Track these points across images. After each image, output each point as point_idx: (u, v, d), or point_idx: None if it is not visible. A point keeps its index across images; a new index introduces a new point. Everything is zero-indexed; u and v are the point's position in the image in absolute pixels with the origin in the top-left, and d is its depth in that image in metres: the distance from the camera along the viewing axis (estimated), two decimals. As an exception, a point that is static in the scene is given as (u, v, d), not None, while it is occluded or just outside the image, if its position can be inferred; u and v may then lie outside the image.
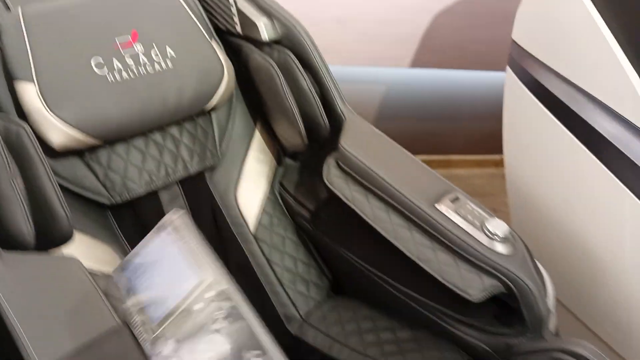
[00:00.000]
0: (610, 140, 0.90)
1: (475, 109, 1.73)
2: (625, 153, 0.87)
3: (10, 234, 0.62)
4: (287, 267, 0.96)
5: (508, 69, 1.11)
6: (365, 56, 1.49)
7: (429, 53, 1.51)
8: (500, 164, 1.62)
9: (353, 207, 0.82)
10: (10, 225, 0.61)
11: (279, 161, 1.03)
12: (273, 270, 0.95)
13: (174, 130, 0.91)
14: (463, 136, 1.84)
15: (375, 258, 0.86)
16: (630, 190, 0.86)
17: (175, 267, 0.62)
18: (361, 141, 0.87)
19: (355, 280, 0.94)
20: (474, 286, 0.73)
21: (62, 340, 0.50)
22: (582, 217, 0.98)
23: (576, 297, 1.05)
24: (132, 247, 0.85)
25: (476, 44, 1.53)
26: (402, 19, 1.45)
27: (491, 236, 0.75)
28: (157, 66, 0.85)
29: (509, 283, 0.72)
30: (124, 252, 0.84)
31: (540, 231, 1.11)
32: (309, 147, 0.97)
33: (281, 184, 1.02)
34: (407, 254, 0.77)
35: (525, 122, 1.12)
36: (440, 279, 0.75)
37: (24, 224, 0.62)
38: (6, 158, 0.62)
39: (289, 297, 0.94)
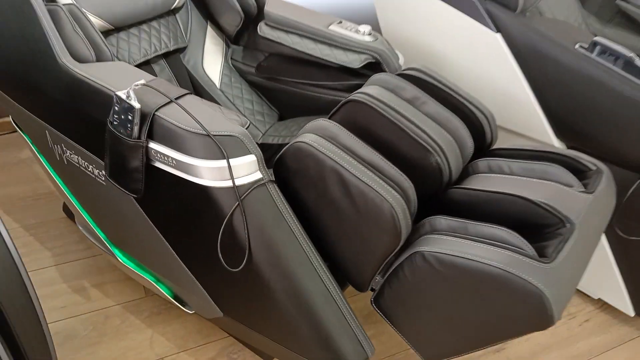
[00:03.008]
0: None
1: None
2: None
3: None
4: (247, 106, 1.44)
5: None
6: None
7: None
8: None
9: (281, 42, 1.31)
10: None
11: (227, 45, 1.50)
12: (237, 109, 1.42)
13: (155, 24, 1.37)
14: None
15: (300, 72, 1.34)
16: (461, 11, 1.36)
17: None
18: (278, 6, 1.36)
19: (292, 104, 1.42)
20: (356, 60, 1.23)
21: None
22: (441, 39, 1.48)
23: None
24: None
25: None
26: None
27: (362, 33, 1.25)
28: (137, -21, 1.31)
29: (375, 54, 1.23)
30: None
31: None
32: (245, 30, 1.45)
33: (232, 58, 1.49)
34: (315, 54, 1.27)
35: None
36: (337, 62, 1.24)
37: (86, 50, 1.07)
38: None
39: (252, 123, 1.42)
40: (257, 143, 1.39)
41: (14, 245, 0.78)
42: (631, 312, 1.41)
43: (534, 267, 0.76)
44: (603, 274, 1.41)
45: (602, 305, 1.50)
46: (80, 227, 1.39)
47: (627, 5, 1.62)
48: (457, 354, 0.88)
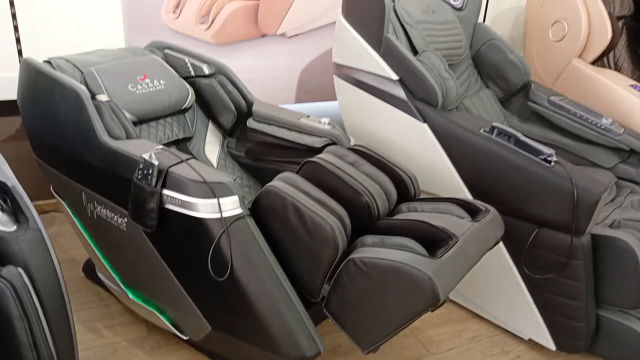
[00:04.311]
0: (388, 91, 1.87)
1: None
2: (394, 94, 1.85)
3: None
4: (237, 182, 1.83)
5: (335, 77, 2.11)
6: (267, 99, 2.47)
7: (301, 94, 2.51)
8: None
9: (264, 131, 1.74)
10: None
11: (224, 137, 1.94)
12: (230, 183, 1.81)
13: (169, 119, 1.81)
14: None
15: (278, 153, 1.75)
16: (399, 109, 1.82)
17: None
18: (263, 106, 1.81)
19: (272, 178, 1.81)
20: (318, 141, 1.64)
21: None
22: (386, 129, 1.92)
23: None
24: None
25: (329, 84, 2.56)
26: (281, 76, 2.47)
27: (323, 123, 1.68)
28: (158, 87, 1.77)
29: (332, 137, 1.64)
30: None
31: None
32: (237, 126, 1.89)
33: (227, 147, 1.91)
34: (289, 138, 1.68)
35: (352, 102, 2.09)
36: (305, 144, 1.65)
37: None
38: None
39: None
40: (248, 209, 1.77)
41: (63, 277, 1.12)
42: (553, 347, 1.69)
43: (425, 261, 1.10)
44: (527, 316, 1.71)
45: (533, 344, 1.78)
46: (99, 275, 1.71)
47: (536, 106, 2.08)
48: (384, 337, 1.18)
